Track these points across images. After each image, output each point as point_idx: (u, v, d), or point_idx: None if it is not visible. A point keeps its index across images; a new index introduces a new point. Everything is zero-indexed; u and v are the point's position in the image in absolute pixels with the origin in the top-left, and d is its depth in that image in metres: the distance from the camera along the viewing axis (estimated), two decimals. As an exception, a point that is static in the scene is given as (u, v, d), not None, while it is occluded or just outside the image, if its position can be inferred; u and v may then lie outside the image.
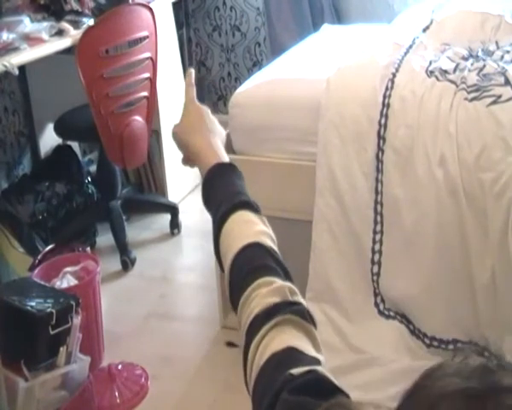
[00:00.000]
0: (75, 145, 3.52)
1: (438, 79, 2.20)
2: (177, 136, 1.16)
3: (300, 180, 2.34)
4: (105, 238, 3.27)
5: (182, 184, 3.54)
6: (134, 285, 3.01)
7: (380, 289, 2.23)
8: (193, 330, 2.73)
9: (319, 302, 2.25)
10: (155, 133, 3.38)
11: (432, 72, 2.24)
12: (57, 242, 2.74)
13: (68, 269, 2.45)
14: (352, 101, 2.23)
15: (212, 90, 4.38)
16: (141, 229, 3.44)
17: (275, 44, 3.90)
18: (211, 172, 1.06)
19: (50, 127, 3.27)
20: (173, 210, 3.39)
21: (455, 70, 2.23)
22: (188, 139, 1.14)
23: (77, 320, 2.12)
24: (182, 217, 3.39)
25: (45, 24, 2.83)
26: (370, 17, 3.50)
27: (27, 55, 2.67)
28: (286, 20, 3.87)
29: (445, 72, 2.22)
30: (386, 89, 2.20)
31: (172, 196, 3.54)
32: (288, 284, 0.90)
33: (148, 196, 3.68)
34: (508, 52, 2.36)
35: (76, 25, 2.90)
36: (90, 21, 2.93)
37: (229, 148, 2.45)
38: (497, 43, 2.47)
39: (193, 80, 1.24)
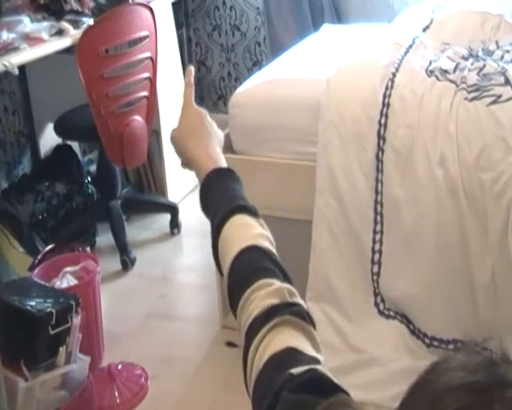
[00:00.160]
0: (75, 145, 3.52)
1: (438, 78, 2.20)
2: (176, 140, 1.16)
3: (300, 180, 2.33)
4: (105, 238, 3.27)
5: (182, 184, 3.54)
6: (134, 285, 3.01)
7: (380, 289, 2.23)
8: (193, 330, 2.73)
9: (319, 302, 2.25)
10: (155, 133, 3.38)
11: (432, 71, 2.24)
12: (57, 242, 2.73)
13: (68, 269, 2.45)
14: (352, 101, 2.23)
15: (212, 89, 4.38)
16: (141, 229, 3.44)
17: (275, 44, 3.90)
18: (208, 177, 1.07)
19: (50, 127, 3.27)
20: (173, 210, 3.39)
21: (455, 70, 2.23)
22: (186, 145, 1.14)
23: (77, 320, 2.12)
24: (182, 217, 3.39)
25: (45, 24, 2.83)
26: (370, 17, 3.50)
27: (27, 54, 2.67)
28: (286, 19, 3.87)
29: (445, 71, 2.22)
30: (386, 88, 2.20)
31: (172, 195, 3.54)
32: (287, 285, 0.90)
33: (147, 195, 3.68)
34: (508, 52, 2.36)
35: (76, 24, 2.90)
36: (90, 21, 2.93)
37: (229, 148, 2.45)
38: (497, 42, 2.47)
39: (192, 79, 1.23)
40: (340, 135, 2.22)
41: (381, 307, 2.24)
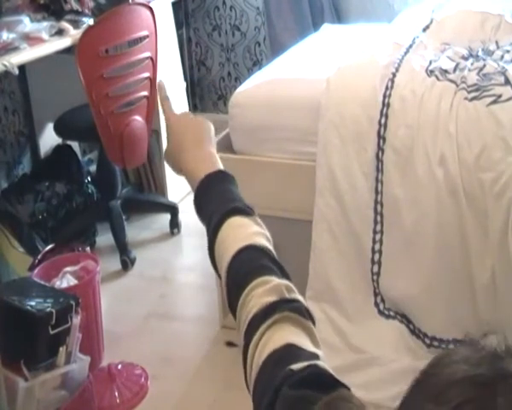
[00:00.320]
0: (75, 145, 3.52)
1: (438, 78, 2.20)
2: (169, 161, 1.16)
3: (300, 180, 2.33)
4: (105, 238, 3.27)
5: (181, 183, 3.52)
6: (134, 285, 3.01)
7: (380, 288, 2.23)
8: (193, 330, 2.73)
9: (319, 302, 2.25)
10: (155, 133, 3.38)
11: (432, 71, 2.24)
12: (57, 242, 2.73)
13: (68, 269, 2.45)
14: (352, 101, 2.23)
15: (212, 89, 4.38)
16: (141, 229, 3.44)
17: (275, 44, 3.90)
18: (200, 186, 1.06)
19: (50, 127, 3.27)
20: (173, 210, 3.39)
21: (455, 70, 2.23)
22: (178, 164, 1.13)
23: (76, 320, 2.12)
24: (182, 217, 3.39)
25: (45, 24, 2.83)
26: (370, 17, 3.50)
27: (27, 54, 2.67)
28: (286, 19, 3.87)
29: (445, 71, 2.22)
30: (386, 88, 2.20)
31: (172, 195, 3.54)
32: (285, 281, 0.90)
33: (147, 195, 3.68)
34: (508, 52, 2.36)
35: (76, 24, 2.90)
36: (90, 21, 2.93)
37: (229, 148, 2.45)
38: (497, 42, 2.47)
39: (166, 93, 1.22)
40: (340, 135, 2.22)
41: (381, 307, 2.24)
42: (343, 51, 2.63)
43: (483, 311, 2.06)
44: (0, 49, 2.57)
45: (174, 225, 3.38)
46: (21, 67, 2.91)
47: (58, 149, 3.42)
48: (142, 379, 2.40)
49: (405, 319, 2.21)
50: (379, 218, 2.19)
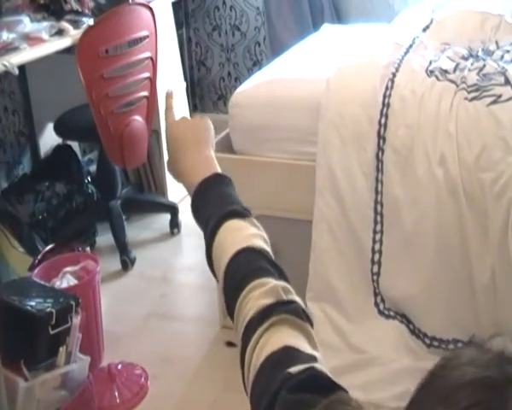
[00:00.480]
0: (75, 145, 3.52)
1: (438, 78, 2.20)
2: (170, 170, 1.16)
3: (300, 180, 2.33)
4: (105, 238, 3.27)
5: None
6: (134, 285, 3.01)
7: (380, 288, 2.23)
8: (193, 330, 2.73)
9: (319, 302, 2.25)
10: (155, 133, 3.38)
11: (432, 71, 2.24)
12: (57, 242, 2.73)
13: (68, 269, 2.45)
14: (352, 101, 2.23)
15: (212, 89, 4.38)
16: (141, 229, 3.44)
17: (275, 44, 3.90)
18: (197, 191, 1.06)
19: (50, 127, 3.27)
20: (173, 210, 3.39)
21: (455, 70, 2.23)
22: (177, 170, 1.14)
23: (76, 320, 2.12)
24: (182, 217, 3.39)
25: (45, 24, 2.83)
26: (370, 17, 3.50)
27: (27, 54, 2.67)
28: (286, 19, 3.87)
29: (445, 71, 2.22)
30: (386, 88, 2.20)
31: (172, 195, 3.54)
32: (282, 283, 0.90)
33: (147, 195, 3.68)
34: (508, 52, 2.36)
35: (76, 24, 2.90)
36: (90, 21, 2.93)
37: (229, 148, 2.45)
38: (497, 42, 2.47)
39: (172, 102, 1.21)
40: (340, 135, 2.22)
41: (381, 307, 2.24)
42: (343, 51, 2.63)
43: (483, 311, 2.06)
44: (0, 49, 2.57)
45: (174, 225, 3.38)
46: (21, 67, 2.91)
47: (58, 149, 3.42)
48: (142, 379, 2.40)
49: (405, 319, 2.21)
50: (379, 218, 2.19)
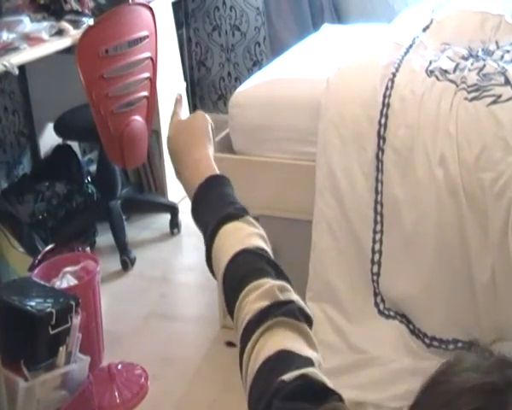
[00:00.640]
0: (75, 145, 3.52)
1: (438, 78, 2.20)
2: (176, 174, 1.16)
3: (300, 180, 2.33)
4: (105, 238, 3.27)
5: (182, 183, 3.53)
6: (134, 285, 3.01)
7: (380, 288, 2.23)
8: (193, 330, 2.73)
9: (319, 302, 2.25)
10: (155, 133, 3.38)
11: (432, 71, 2.24)
12: (57, 242, 2.73)
13: (68, 269, 2.45)
14: (352, 101, 2.23)
15: (212, 89, 4.38)
16: (141, 229, 3.44)
17: (275, 44, 3.90)
18: (195, 198, 1.06)
19: (50, 127, 3.27)
20: (173, 210, 3.39)
21: (455, 70, 2.23)
22: (178, 174, 1.14)
23: (76, 320, 2.12)
24: (182, 217, 3.39)
25: (45, 24, 2.83)
26: (370, 17, 3.50)
27: (27, 54, 2.67)
28: (286, 19, 3.87)
29: (445, 71, 2.22)
30: (386, 89, 2.20)
31: (172, 195, 3.54)
32: (279, 282, 0.89)
33: (147, 195, 3.68)
34: (508, 52, 2.36)
35: (76, 24, 2.90)
36: (90, 21, 2.93)
37: (229, 148, 2.45)
38: (497, 42, 2.47)
39: (180, 109, 1.22)
40: (340, 135, 2.22)
41: (381, 307, 2.24)
42: (343, 51, 2.63)
43: (483, 311, 2.06)
44: (0, 49, 2.57)
45: (174, 225, 3.38)
46: (21, 67, 2.91)
47: (58, 149, 3.42)
48: (142, 379, 2.40)
49: (405, 319, 2.21)
50: (379, 218, 2.19)
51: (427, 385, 0.60)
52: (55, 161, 3.36)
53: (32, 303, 2.08)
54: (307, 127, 2.31)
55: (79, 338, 2.14)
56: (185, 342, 2.64)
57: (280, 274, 0.92)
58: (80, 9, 2.98)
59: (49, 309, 2.05)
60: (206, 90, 4.38)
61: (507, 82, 2.12)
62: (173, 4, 3.64)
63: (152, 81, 3.03)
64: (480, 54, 2.37)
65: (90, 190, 3.35)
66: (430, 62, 2.29)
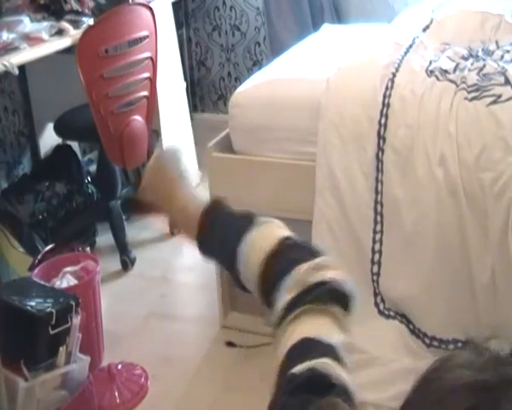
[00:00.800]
0: (75, 145, 3.52)
1: (438, 78, 2.20)
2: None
3: (300, 180, 2.33)
4: (105, 238, 3.27)
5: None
6: (134, 285, 3.00)
7: (380, 289, 2.23)
8: (193, 330, 2.73)
9: (319, 302, 2.25)
10: (155, 133, 3.38)
11: (432, 71, 2.24)
12: (57, 242, 2.73)
13: (68, 269, 2.45)
14: (352, 101, 2.23)
15: (212, 89, 4.38)
16: (140, 229, 3.43)
17: (275, 44, 3.90)
18: (200, 245, 1.07)
19: (50, 127, 3.27)
20: (173, 210, 3.38)
21: (455, 70, 2.23)
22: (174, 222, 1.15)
23: (76, 320, 2.12)
24: (182, 217, 3.38)
25: (45, 24, 2.83)
26: (370, 17, 3.50)
27: (27, 54, 2.67)
28: (286, 19, 3.87)
29: (445, 71, 2.22)
30: (386, 89, 2.20)
31: (172, 195, 3.53)
32: (312, 262, 0.90)
33: (147, 195, 3.67)
34: (508, 52, 2.36)
35: (76, 24, 2.90)
36: (90, 21, 2.92)
37: (229, 148, 2.45)
38: (497, 42, 2.47)
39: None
40: (340, 135, 2.22)
41: (381, 307, 2.24)
42: (343, 51, 2.63)
43: (483, 311, 2.06)
44: (0, 49, 2.57)
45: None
46: (21, 67, 2.90)
47: (58, 149, 3.42)
48: (142, 379, 2.40)
49: (405, 319, 2.21)
50: (379, 218, 2.19)
51: (419, 382, 0.60)
52: (55, 161, 3.36)
53: (32, 303, 2.08)
54: (307, 127, 2.31)
55: (79, 338, 2.14)
56: (185, 342, 2.64)
57: (312, 253, 0.94)
58: (80, 9, 2.98)
59: (49, 309, 2.05)
60: (206, 90, 4.38)
61: (507, 82, 2.12)
62: (173, 4, 3.64)
63: (152, 81, 3.03)
64: (480, 54, 2.37)
65: (90, 190, 3.35)
66: (430, 62, 2.29)
